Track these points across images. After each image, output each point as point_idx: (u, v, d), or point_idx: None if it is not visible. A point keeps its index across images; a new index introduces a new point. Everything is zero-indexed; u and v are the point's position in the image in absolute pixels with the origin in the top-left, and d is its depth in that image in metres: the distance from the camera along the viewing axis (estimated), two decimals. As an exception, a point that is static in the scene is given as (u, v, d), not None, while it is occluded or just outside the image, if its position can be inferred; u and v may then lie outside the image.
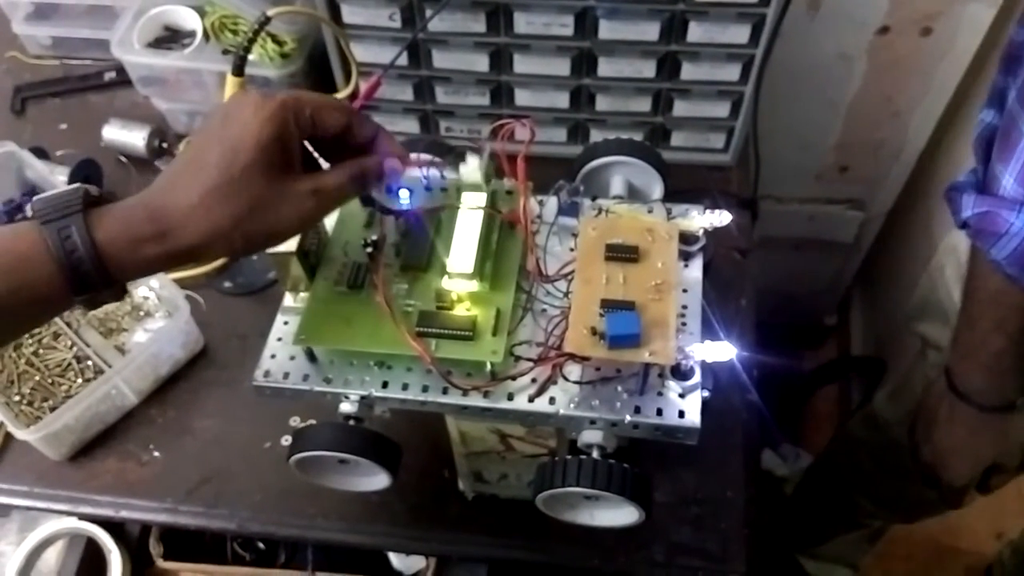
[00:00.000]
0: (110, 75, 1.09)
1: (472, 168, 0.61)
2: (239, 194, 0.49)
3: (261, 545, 0.93)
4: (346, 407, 0.59)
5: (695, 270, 0.63)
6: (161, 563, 0.87)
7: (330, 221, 0.65)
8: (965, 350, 0.74)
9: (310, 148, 0.55)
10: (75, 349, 0.83)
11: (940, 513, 1.07)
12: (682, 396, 0.57)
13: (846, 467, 1.17)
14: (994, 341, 0.70)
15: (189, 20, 0.99)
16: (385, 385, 0.59)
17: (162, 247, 0.48)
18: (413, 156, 0.61)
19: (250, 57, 0.76)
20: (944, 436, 0.79)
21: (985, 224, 0.65)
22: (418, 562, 0.90)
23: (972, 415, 0.75)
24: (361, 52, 0.86)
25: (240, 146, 0.49)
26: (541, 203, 0.66)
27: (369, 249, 0.61)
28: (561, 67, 0.88)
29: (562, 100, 0.92)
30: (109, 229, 0.48)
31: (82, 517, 0.83)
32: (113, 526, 0.85)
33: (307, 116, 0.52)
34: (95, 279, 0.47)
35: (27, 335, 0.84)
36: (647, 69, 0.87)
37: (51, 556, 0.86)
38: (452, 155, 0.64)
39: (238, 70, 0.71)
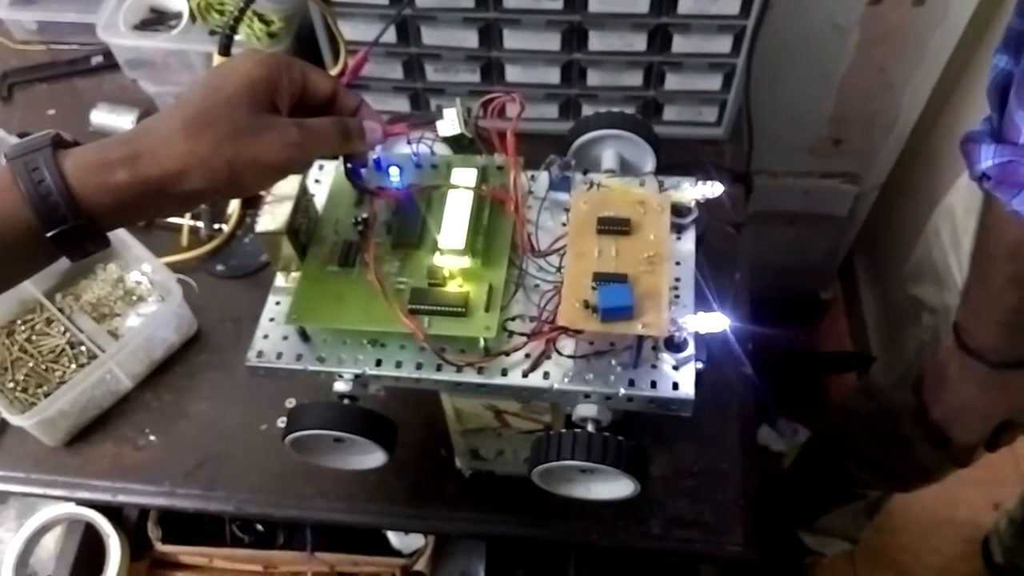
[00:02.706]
0: (97, 59, 1.08)
1: (449, 121, 0.61)
2: (220, 119, 0.48)
3: (260, 527, 0.93)
4: (340, 386, 0.59)
5: (688, 242, 0.62)
6: (160, 547, 0.87)
7: (320, 200, 0.65)
8: (977, 307, 0.73)
9: None
10: (68, 335, 0.83)
11: (933, 480, 1.07)
12: (676, 368, 0.57)
13: (840, 438, 1.17)
14: (1009, 297, 0.68)
15: (175, 1, 0.98)
16: (379, 363, 0.59)
17: (134, 171, 0.47)
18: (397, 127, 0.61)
19: (237, 37, 0.75)
20: (954, 395, 0.78)
21: (1007, 174, 0.62)
22: (417, 540, 0.90)
23: (984, 372, 0.74)
24: (349, 30, 0.85)
25: (227, 81, 0.49)
26: (532, 178, 0.65)
27: (360, 227, 0.61)
28: (551, 42, 0.87)
29: (553, 75, 0.91)
30: (79, 157, 0.47)
31: (80, 502, 0.83)
32: (111, 511, 0.85)
33: (298, 72, 0.52)
34: (65, 211, 0.46)
35: (20, 321, 0.84)
36: (638, 42, 0.86)
37: (50, 542, 0.86)
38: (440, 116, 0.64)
39: (224, 49, 0.71)
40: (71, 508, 0.84)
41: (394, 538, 0.91)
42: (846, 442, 1.15)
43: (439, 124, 0.62)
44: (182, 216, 0.91)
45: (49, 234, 0.46)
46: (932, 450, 0.84)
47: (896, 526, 1.49)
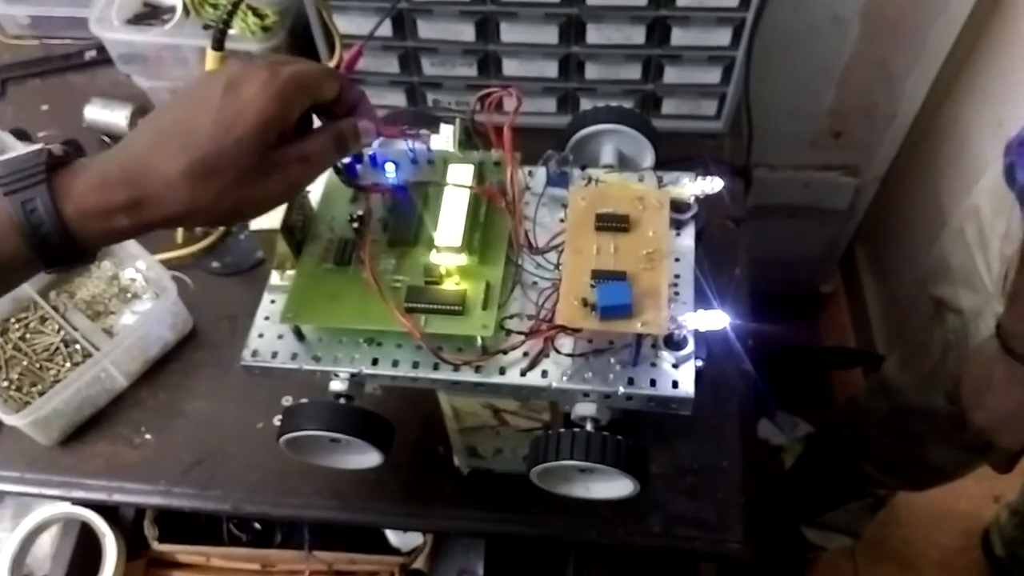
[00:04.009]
0: (91, 54, 1.07)
1: (444, 138, 0.60)
2: (228, 167, 0.46)
3: (257, 525, 0.93)
4: (336, 385, 0.59)
5: (687, 238, 0.62)
6: (157, 546, 0.87)
7: (315, 197, 0.64)
8: None
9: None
10: (62, 333, 0.82)
11: (947, 481, 1.06)
12: (675, 366, 0.56)
13: (851, 436, 1.16)
14: None
15: (168, -5, 0.97)
16: (375, 362, 0.58)
17: (136, 218, 0.46)
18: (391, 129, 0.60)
19: (231, 31, 0.74)
20: (1000, 400, 0.77)
21: None
22: (415, 538, 0.89)
23: None
24: (344, 24, 0.84)
25: (240, 119, 0.46)
26: (530, 174, 0.64)
27: (355, 224, 0.60)
28: (549, 35, 0.86)
29: (551, 69, 0.90)
30: (78, 199, 0.45)
31: (75, 502, 0.82)
32: (107, 510, 0.85)
33: (311, 94, 0.50)
34: (63, 252, 0.45)
35: (13, 320, 0.83)
36: (636, 35, 0.85)
37: (46, 541, 0.86)
38: (436, 127, 0.63)
39: (218, 44, 0.70)
40: (67, 507, 0.84)
41: (392, 536, 0.90)
42: (858, 440, 1.14)
43: (434, 137, 0.61)
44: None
45: (46, 271, 0.47)
46: (949, 451, 0.83)
47: (897, 519, 1.48)
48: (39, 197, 0.44)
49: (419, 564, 0.88)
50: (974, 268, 0.87)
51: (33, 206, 0.44)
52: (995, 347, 0.75)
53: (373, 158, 0.62)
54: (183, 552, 0.89)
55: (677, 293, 0.59)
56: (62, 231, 0.45)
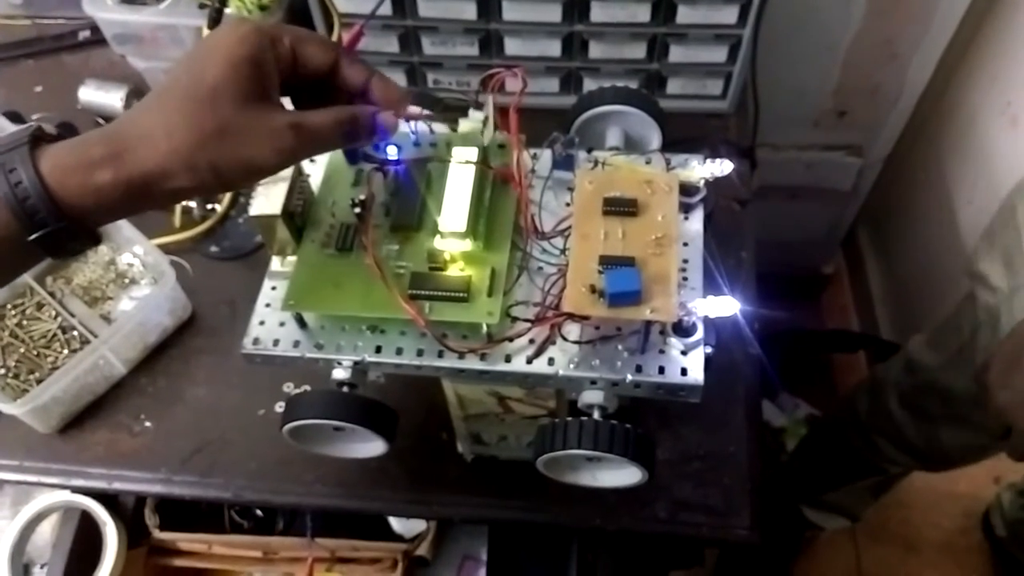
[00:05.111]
0: (84, 34, 1.05)
1: (474, 122, 0.59)
2: (204, 114, 0.45)
3: (259, 512, 0.92)
4: (339, 373, 0.58)
5: (696, 222, 0.61)
6: (158, 534, 0.86)
7: (316, 180, 0.63)
8: None
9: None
10: (60, 319, 0.81)
11: (959, 465, 1.05)
12: (684, 353, 0.55)
13: (870, 411, 1.14)
14: None
15: (163, -26, 0.94)
16: (378, 350, 0.57)
17: (116, 171, 0.44)
18: (414, 109, 0.58)
19: (227, 10, 0.73)
20: None
21: None
22: (419, 525, 0.89)
23: None
24: (343, 2, 0.83)
25: (208, 63, 0.45)
26: (535, 157, 0.63)
27: (357, 209, 0.58)
28: (552, 13, 0.84)
29: (554, 48, 0.88)
30: (58, 156, 0.44)
31: (75, 490, 0.81)
32: (107, 498, 0.84)
33: (286, 45, 0.48)
34: (45, 214, 0.43)
35: (10, 306, 0.82)
36: (641, 13, 0.84)
37: (46, 530, 0.85)
38: (439, 108, 0.62)
39: (214, 23, 0.69)
40: (67, 496, 0.83)
41: (395, 523, 0.90)
42: (875, 416, 1.13)
43: (462, 122, 0.60)
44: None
45: (31, 238, 0.44)
46: (962, 435, 0.82)
47: (897, 500, 1.48)
48: (19, 157, 0.43)
49: (422, 551, 0.87)
50: (1018, 248, 0.85)
51: (12, 166, 0.43)
52: None
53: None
54: (184, 540, 0.88)
55: (686, 278, 0.58)
56: (39, 186, 0.43)
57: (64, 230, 0.44)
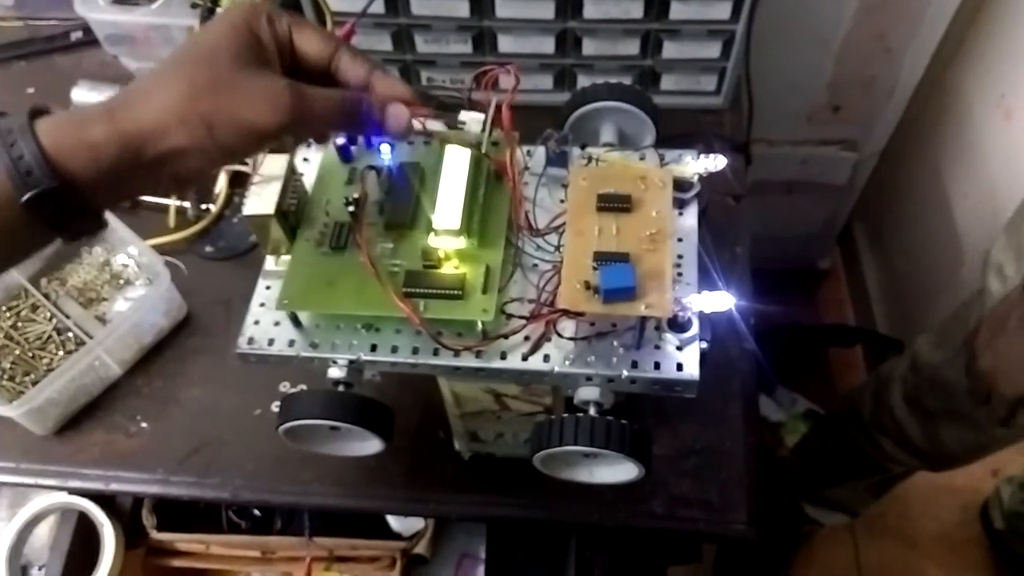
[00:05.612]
0: (76, 35, 1.04)
1: (475, 125, 0.58)
2: (198, 69, 0.45)
3: (257, 512, 0.92)
4: (335, 372, 0.58)
5: (690, 218, 0.61)
6: (155, 534, 0.86)
7: (309, 179, 0.63)
8: None
9: None
10: (55, 321, 0.81)
11: (962, 464, 1.05)
12: (680, 349, 0.55)
13: (874, 409, 1.15)
14: None
15: (155, -27, 0.94)
16: (374, 348, 0.57)
17: (110, 126, 0.43)
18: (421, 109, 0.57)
19: (219, 9, 0.73)
20: (1009, 343, 0.76)
21: None
22: (417, 523, 0.89)
23: None
24: (336, 0, 0.82)
25: (207, 29, 0.47)
26: (528, 154, 0.63)
27: (351, 208, 0.58)
28: (545, 9, 0.84)
29: (547, 45, 0.88)
30: (55, 118, 0.44)
31: (72, 491, 0.81)
32: (104, 499, 0.84)
33: (284, 25, 0.48)
34: (38, 172, 0.42)
35: (4, 308, 0.82)
36: (635, 9, 0.84)
37: (43, 531, 0.85)
38: (433, 105, 0.61)
39: (205, 22, 0.68)
40: (64, 497, 0.83)
41: (394, 521, 0.90)
42: (879, 414, 1.13)
43: (464, 116, 0.59)
44: (173, 196, 0.89)
45: (24, 198, 0.43)
46: (961, 432, 0.82)
47: (895, 493, 1.48)
48: (15, 122, 0.43)
49: (421, 549, 0.87)
50: None
51: (9, 129, 0.43)
52: (1017, 294, 0.74)
53: (368, 138, 0.60)
54: (182, 540, 0.88)
55: (680, 274, 0.58)
56: (34, 145, 0.43)
57: (61, 195, 0.43)
